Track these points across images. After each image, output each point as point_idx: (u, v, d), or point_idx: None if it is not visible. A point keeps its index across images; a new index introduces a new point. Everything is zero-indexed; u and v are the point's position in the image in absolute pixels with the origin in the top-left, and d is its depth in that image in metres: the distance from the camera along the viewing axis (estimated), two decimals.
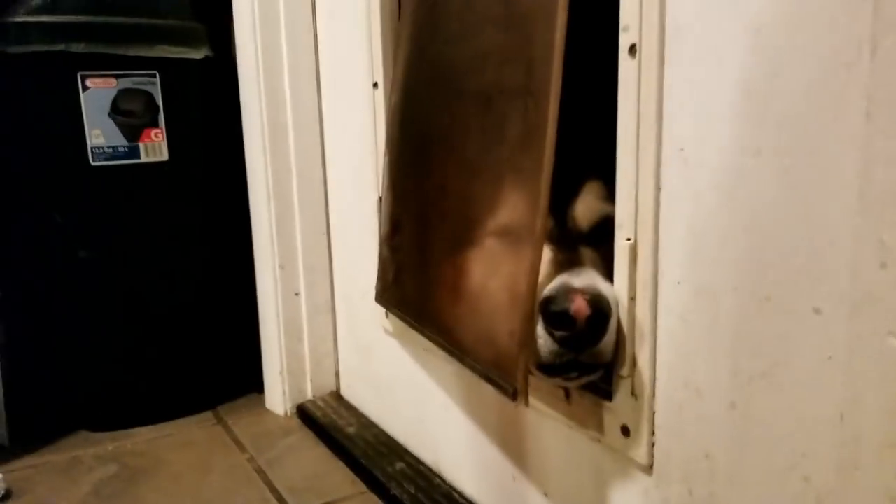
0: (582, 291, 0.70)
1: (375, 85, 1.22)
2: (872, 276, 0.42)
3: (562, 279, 0.74)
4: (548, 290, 0.73)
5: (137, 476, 1.33)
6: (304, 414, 1.50)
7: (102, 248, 1.46)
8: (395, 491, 1.16)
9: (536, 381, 0.81)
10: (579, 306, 0.69)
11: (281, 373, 1.51)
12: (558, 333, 0.71)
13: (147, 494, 1.26)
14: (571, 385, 0.81)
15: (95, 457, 1.41)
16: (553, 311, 0.70)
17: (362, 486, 1.25)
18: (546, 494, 0.95)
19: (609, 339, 0.73)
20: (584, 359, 0.73)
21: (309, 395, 1.54)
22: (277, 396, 1.53)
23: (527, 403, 0.76)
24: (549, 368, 0.77)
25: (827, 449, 0.58)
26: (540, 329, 0.73)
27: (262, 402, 1.60)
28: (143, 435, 1.49)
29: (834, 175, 0.53)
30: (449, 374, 1.13)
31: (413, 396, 1.26)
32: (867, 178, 0.43)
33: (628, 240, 0.74)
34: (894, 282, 0.41)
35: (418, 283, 1.04)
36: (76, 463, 1.38)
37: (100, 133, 1.41)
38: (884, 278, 0.42)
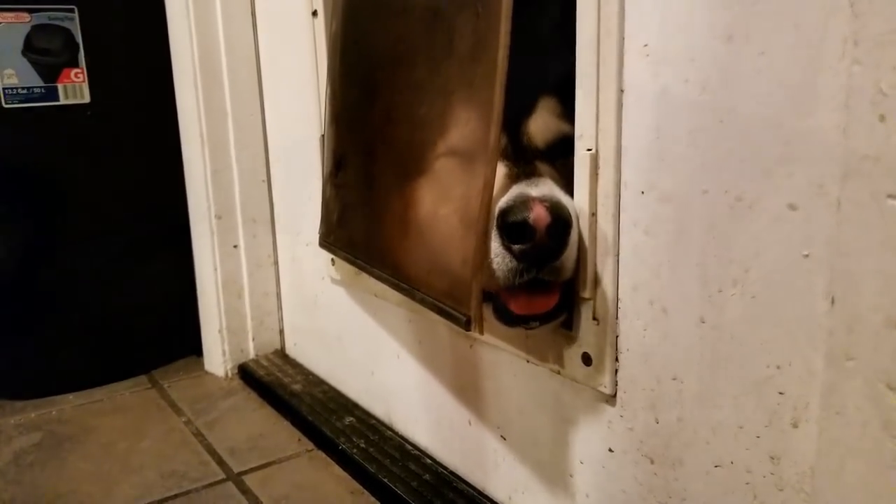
0: (540, 199, 0.64)
1: (315, 13, 1.12)
2: (869, 132, 0.37)
3: (518, 189, 0.68)
4: (503, 201, 0.67)
5: (63, 443, 1.23)
6: (246, 374, 1.41)
7: (18, 200, 1.33)
8: (344, 446, 1.09)
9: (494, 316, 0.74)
10: (539, 214, 0.63)
11: (220, 331, 1.42)
12: (517, 247, 0.65)
13: (74, 462, 1.16)
14: (534, 329, 0.75)
15: (16, 426, 1.30)
16: (511, 223, 0.64)
17: (309, 444, 1.18)
18: (504, 438, 0.89)
19: (571, 251, 0.67)
20: (546, 275, 0.67)
21: (251, 354, 1.45)
22: (217, 357, 1.44)
23: (481, 332, 0.70)
24: (509, 318, 0.71)
25: (807, 352, 0.53)
26: (496, 247, 0.67)
27: (200, 364, 1.51)
28: (69, 402, 1.38)
29: (823, 30, 0.48)
30: (401, 320, 1.06)
31: (363, 348, 1.19)
32: (862, 22, 0.37)
33: (589, 150, 0.68)
34: (895, 136, 0.36)
35: (365, 220, 0.97)
36: None
37: (13, 73, 1.29)
38: (882, 133, 0.37)
